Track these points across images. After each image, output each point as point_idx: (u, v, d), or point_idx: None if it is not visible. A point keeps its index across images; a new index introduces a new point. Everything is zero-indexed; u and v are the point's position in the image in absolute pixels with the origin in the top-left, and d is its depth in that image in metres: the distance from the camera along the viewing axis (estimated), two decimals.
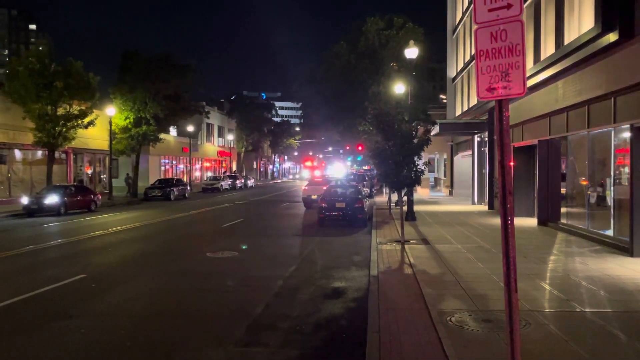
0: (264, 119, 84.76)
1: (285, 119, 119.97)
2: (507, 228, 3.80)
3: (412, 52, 19.93)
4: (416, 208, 21.39)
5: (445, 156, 42.86)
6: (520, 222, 18.16)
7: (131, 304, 8.74)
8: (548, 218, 17.18)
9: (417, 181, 14.83)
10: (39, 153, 32.82)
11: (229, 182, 53.13)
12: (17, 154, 31.85)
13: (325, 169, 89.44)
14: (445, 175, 43.06)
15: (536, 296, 8.18)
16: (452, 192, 36.75)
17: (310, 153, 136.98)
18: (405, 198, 18.97)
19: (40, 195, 25.95)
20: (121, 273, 11.39)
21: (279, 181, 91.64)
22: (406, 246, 13.52)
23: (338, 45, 35.77)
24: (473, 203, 28.08)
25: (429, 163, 16.88)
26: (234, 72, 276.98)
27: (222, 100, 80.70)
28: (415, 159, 14.81)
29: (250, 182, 62.24)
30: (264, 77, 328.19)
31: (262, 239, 16.61)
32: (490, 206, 23.85)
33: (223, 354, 6.27)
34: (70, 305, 8.65)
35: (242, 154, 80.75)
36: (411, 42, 20.91)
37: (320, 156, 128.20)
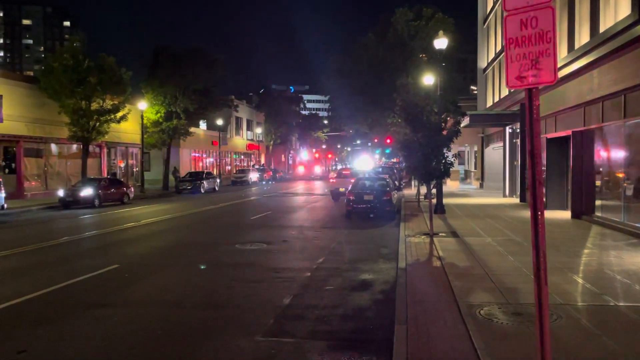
0: (292, 112, 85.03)
1: (314, 112, 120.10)
2: (537, 218, 3.73)
3: (441, 42, 19.64)
4: (445, 201, 21.17)
5: (475, 148, 42.24)
6: (553, 214, 17.78)
7: (162, 294, 8.93)
8: (582, 211, 16.77)
9: (446, 173, 14.67)
10: (74, 147, 33.70)
11: (258, 175, 53.58)
12: (53, 147, 32.79)
13: (333, 162, 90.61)
14: (475, 168, 42.44)
15: (568, 290, 8.01)
16: (482, 184, 36.21)
17: (339, 146, 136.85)
18: (434, 190, 18.80)
19: (75, 188, 26.67)
20: (153, 263, 11.64)
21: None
22: (435, 239, 13.41)
23: (366, 37, 35.58)
24: (504, 196, 27.62)
25: (458, 155, 16.65)
26: (262, 66, 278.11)
27: (250, 94, 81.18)
28: (445, 150, 14.64)
29: (279, 175, 62.57)
30: (293, 70, 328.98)
31: (290, 231, 16.71)
32: (522, 199, 23.41)
33: (252, 344, 6.35)
34: (104, 294, 8.90)
35: (271, 147, 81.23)
36: (440, 32, 20.61)
37: (348, 148, 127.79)
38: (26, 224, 19.41)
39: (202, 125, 55.11)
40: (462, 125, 22.25)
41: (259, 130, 75.28)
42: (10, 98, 27.09)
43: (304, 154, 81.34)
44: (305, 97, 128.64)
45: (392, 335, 6.15)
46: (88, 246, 14.24)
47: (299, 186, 46.68)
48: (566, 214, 17.77)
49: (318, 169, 72.06)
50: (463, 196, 28.66)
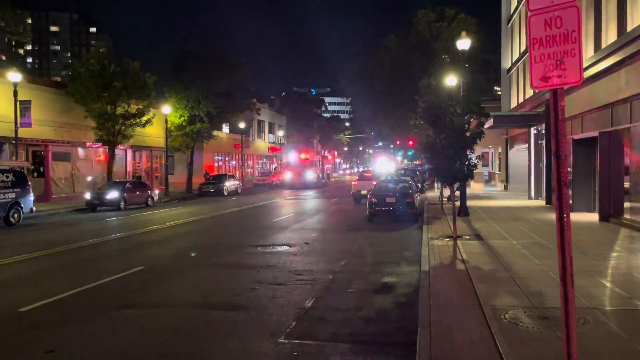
0: (313, 114, 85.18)
1: (335, 114, 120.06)
2: (562, 220, 3.67)
3: (464, 43, 19.48)
4: (469, 203, 20.94)
5: (499, 150, 41.66)
6: (580, 217, 17.44)
7: (186, 295, 9.03)
8: (610, 213, 16.41)
9: (469, 175, 14.51)
10: (100, 150, 34.35)
11: (280, 178, 53.84)
12: (80, 151, 33.48)
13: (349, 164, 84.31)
14: (499, 170, 41.87)
15: (596, 293, 7.85)
16: (507, 186, 35.70)
17: (360, 148, 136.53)
18: (457, 193, 18.61)
19: (101, 190, 27.17)
20: (176, 265, 11.78)
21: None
22: (458, 242, 13.27)
23: (387, 39, 35.49)
24: (529, 198, 27.18)
25: (482, 157, 16.42)
26: (284, 69, 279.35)
27: (272, 97, 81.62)
28: (468, 152, 14.49)
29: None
30: (314, 73, 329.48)
31: (312, 233, 16.73)
32: (548, 201, 23.01)
33: (274, 346, 6.38)
34: (130, 295, 9.04)
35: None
36: (463, 33, 20.44)
37: (370, 150, 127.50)
38: (54, 227, 19.84)
39: (225, 128, 55.61)
40: (485, 126, 22.01)
41: (280, 133, 75.62)
42: (38, 103, 27.75)
43: (290, 155, 59.83)
44: (327, 99, 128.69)
45: (415, 339, 6.10)
46: (114, 248, 14.49)
47: (322, 188, 46.62)
48: (593, 217, 17.41)
49: (311, 175, 49.02)
50: (487, 198, 28.31)
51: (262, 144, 68.46)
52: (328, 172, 62.35)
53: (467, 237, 14.08)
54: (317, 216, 22.42)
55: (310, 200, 32.81)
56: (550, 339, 5.89)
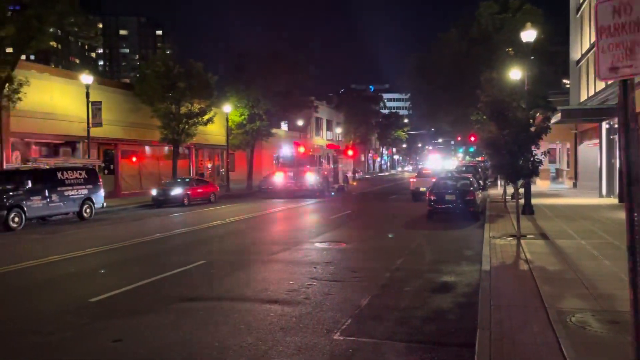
0: (371, 111, 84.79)
1: (394, 110, 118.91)
2: (632, 219, 3.45)
3: (529, 35, 18.72)
4: (535, 201, 20.13)
5: (568, 145, 39.81)
6: None
7: (245, 290, 9.22)
8: None
9: (534, 172, 13.97)
10: (165, 149, 35.72)
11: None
12: (147, 149, 34.95)
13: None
14: (568, 166, 40.00)
15: None
16: (576, 184, 34.06)
17: (419, 145, 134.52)
18: (521, 190, 17.94)
19: (167, 187, 28.23)
20: (236, 260, 12.06)
21: (387, 174, 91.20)
22: (522, 241, 12.79)
23: (448, 33, 34.72)
24: (600, 196, 25.79)
25: (548, 153, 15.72)
26: (342, 67, 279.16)
27: (330, 94, 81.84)
28: (533, 148, 13.94)
29: (358, 175, 62.62)
30: (373, 69, 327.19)
31: (369, 230, 16.64)
32: (621, 199, 21.74)
33: (329, 342, 6.39)
34: (192, 288, 9.34)
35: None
36: (528, 24, 19.63)
37: (430, 147, 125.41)
38: (123, 221, 20.82)
39: (284, 126, 56.36)
40: (552, 121, 21.10)
41: (338, 130, 75.76)
42: (108, 104, 29.18)
43: (286, 151, 35.28)
44: (385, 95, 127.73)
45: (474, 340, 5.94)
46: (178, 243, 15.02)
47: (379, 186, 46.17)
48: None
49: (311, 178, 32.27)
50: (554, 196, 27.12)
51: (320, 141, 68.78)
52: (348, 174, 41.81)
53: (532, 236, 13.54)
54: (374, 213, 22.28)
55: (370, 197, 32.61)
56: (620, 344, 5.57)
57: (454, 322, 7.11)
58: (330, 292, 8.84)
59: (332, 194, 33.55)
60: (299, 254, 12.74)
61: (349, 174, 41.57)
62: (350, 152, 48.10)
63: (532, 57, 22.78)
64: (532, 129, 14.07)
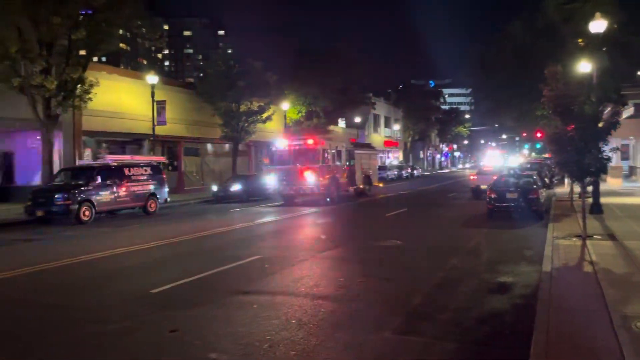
0: (431, 107, 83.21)
1: (454, 106, 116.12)
2: None
3: (599, 25, 17.73)
4: (604, 200, 19.07)
5: None
6: None
7: (298, 285, 9.31)
8: None
9: (602, 169, 13.25)
10: (226, 146, 36.66)
11: (395, 172, 53.37)
12: (209, 147, 36.03)
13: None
14: None
15: None
16: None
17: (482, 141, 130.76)
18: (589, 188, 17.06)
19: (227, 183, 28.97)
20: (290, 256, 12.20)
21: (447, 171, 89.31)
22: (588, 242, 12.16)
23: (511, 25, 33.48)
24: None
25: (618, 149, 14.82)
26: (403, 62, 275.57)
27: (389, 90, 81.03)
28: (601, 144, 13.23)
29: (417, 172, 61.74)
30: (433, 64, 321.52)
31: (426, 229, 16.37)
32: None
33: (380, 340, 6.35)
34: (246, 282, 9.54)
35: (409, 144, 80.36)
36: (597, 14, 18.60)
37: (493, 143, 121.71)
38: (185, 216, 21.56)
39: (341, 123, 56.37)
40: (624, 116, 19.94)
41: (396, 126, 74.93)
42: (172, 103, 30.28)
43: (279, 143, 26.24)
44: (446, 91, 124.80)
45: (529, 343, 5.71)
46: (236, 237, 15.39)
47: (438, 183, 45.29)
48: None
49: (311, 179, 24.57)
50: (626, 195, 25.59)
51: (377, 137, 68.32)
52: (368, 173, 30.85)
53: (599, 237, 12.86)
54: (431, 211, 21.88)
55: (427, 194, 32.07)
56: None
57: (509, 324, 6.87)
58: (382, 290, 8.77)
59: (328, 199, 25.09)
60: (352, 251, 12.73)
61: (370, 173, 31.35)
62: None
63: (604, 49, 21.56)
64: (600, 124, 13.35)
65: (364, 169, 30.24)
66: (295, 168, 24.59)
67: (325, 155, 25.16)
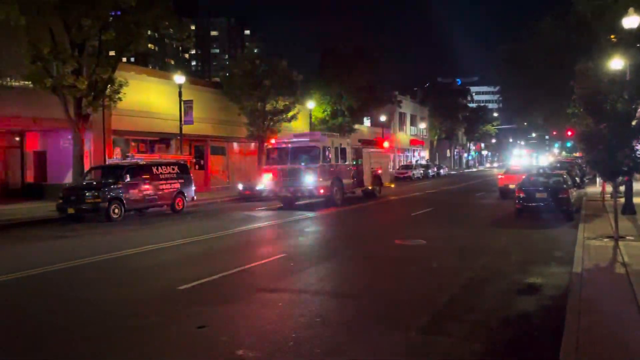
0: (458, 105, 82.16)
1: (482, 104, 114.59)
2: None
3: (632, 21, 17.27)
4: (638, 200, 18.60)
5: None
6: None
7: (323, 283, 9.34)
8: None
9: (635, 168, 12.93)
10: (252, 145, 36.92)
11: (421, 171, 52.97)
12: (235, 145, 36.35)
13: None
14: None
15: None
16: None
17: (511, 140, 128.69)
18: (622, 188, 16.63)
19: (252, 182, 29.16)
20: (316, 254, 12.24)
21: (474, 169, 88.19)
22: (620, 243, 11.87)
23: (541, 22, 32.84)
24: None
25: None
26: (429, 59, 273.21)
27: (415, 88, 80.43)
28: (635, 143, 12.91)
29: (443, 171, 61.14)
30: (461, 61, 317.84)
31: (453, 229, 16.20)
32: None
33: (405, 339, 6.33)
34: (272, 280, 9.62)
35: (435, 142, 79.61)
36: (631, 9, 18.11)
37: (522, 142, 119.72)
38: (211, 214, 21.79)
39: (366, 122, 56.18)
40: None
41: (422, 125, 74.30)
42: (199, 102, 30.64)
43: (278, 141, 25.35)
44: (474, 89, 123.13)
45: (558, 346, 5.62)
46: (261, 235, 15.53)
47: (465, 182, 44.73)
48: None
49: (310, 179, 22.30)
50: None
51: (403, 136, 67.89)
52: (378, 171, 28.80)
53: (631, 238, 12.54)
54: (459, 210, 21.65)
55: (454, 193, 31.74)
56: None
57: (537, 326, 6.76)
58: (409, 290, 8.73)
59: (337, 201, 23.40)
60: (377, 250, 12.69)
61: (380, 172, 29.10)
62: (386, 144, 34.01)
63: (638, 45, 20.97)
64: (634, 122, 13.02)
65: (372, 169, 28.14)
66: (293, 168, 22.57)
67: (327, 153, 23.12)
